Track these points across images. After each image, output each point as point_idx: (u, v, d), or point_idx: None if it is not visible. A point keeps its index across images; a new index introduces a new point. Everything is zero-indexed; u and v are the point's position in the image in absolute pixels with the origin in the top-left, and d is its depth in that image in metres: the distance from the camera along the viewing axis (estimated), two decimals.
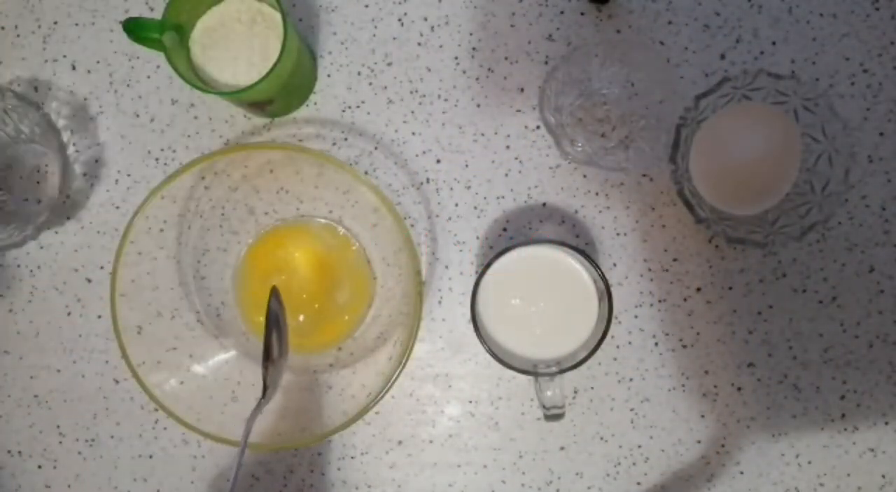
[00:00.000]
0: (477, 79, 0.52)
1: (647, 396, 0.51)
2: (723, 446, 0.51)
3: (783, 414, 0.51)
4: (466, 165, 0.52)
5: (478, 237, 0.52)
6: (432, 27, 0.52)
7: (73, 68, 0.53)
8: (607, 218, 0.51)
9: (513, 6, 0.51)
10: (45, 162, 0.53)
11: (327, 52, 0.52)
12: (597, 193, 0.51)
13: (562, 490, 0.52)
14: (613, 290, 0.50)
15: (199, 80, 0.46)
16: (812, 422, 0.51)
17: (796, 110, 0.46)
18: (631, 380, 0.51)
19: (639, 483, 0.51)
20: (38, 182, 0.54)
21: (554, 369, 0.45)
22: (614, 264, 0.51)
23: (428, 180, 0.52)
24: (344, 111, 0.52)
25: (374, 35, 0.52)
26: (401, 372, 0.45)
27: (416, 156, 0.52)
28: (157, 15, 0.46)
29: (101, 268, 0.53)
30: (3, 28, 0.54)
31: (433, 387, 0.52)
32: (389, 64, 0.52)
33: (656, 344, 0.51)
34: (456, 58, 0.52)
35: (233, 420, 0.46)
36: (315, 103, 0.52)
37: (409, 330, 0.45)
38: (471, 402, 0.52)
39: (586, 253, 0.45)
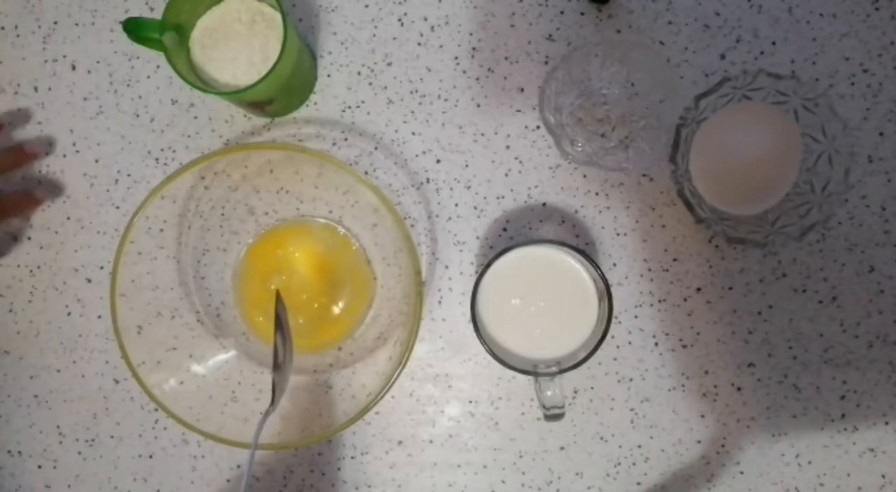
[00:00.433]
0: (477, 79, 0.52)
1: (647, 396, 0.51)
2: (723, 446, 0.51)
3: (783, 414, 0.51)
4: (466, 165, 0.52)
5: (478, 237, 0.52)
6: (432, 27, 0.52)
7: (73, 68, 0.53)
8: (607, 218, 0.51)
9: (513, 6, 0.51)
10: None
11: (327, 52, 0.52)
12: (597, 193, 0.51)
13: (562, 490, 0.52)
14: (613, 290, 0.50)
15: (199, 80, 0.46)
16: (812, 422, 0.51)
17: (796, 110, 0.46)
18: (631, 380, 0.51)
19: (639, 483, 0.51)
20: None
21: (554, 369, 0.45)
22: (614, 264, 0.51)
23: (428, 180, 0.52)
24: (344, 111, 0.52)
25: (374, 35, 0.52)
26: (401, 372, 0.45)
27: (416, 156, 0.52)
28: (157, 15, 0.46)
29: (101, 268, 0.53)
30: (3, 28, 0.54)
31: (433, 387, 0.52)
32: (389, 64, 0.52)
33: (656, 344, 0.51)
34: (456, 58, 0.52)
35: (233, 420, 0.46)
36: (315, 103, 0.52)
37: (409, 330, 0.45)
38: (471, 402, 0.52)
39: (586, 253, 0.45)
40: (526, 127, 0.51)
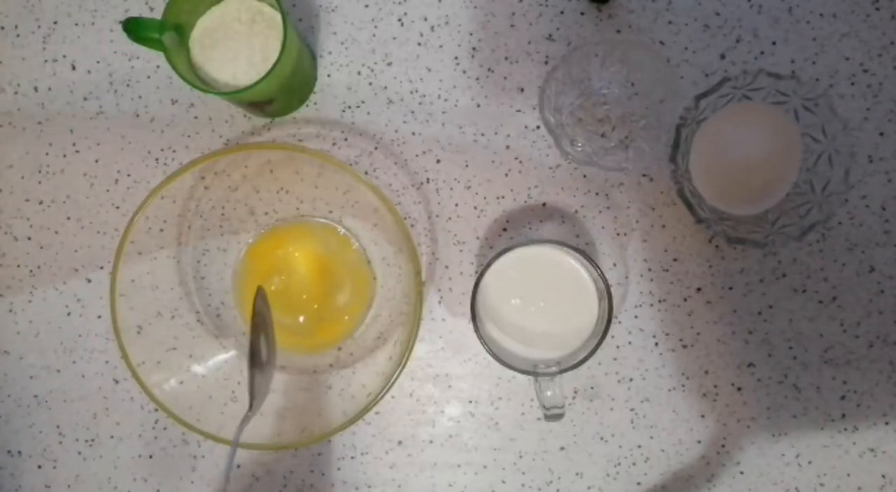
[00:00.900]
0: (477, 79, 0.52)
1: (647, 396, 0.51)
2: (723, 446, 0.51)
3: (783, 414, 0.51)
4: (466, 165, 0.52)
5: (478, 237, 0.52)
6: (432, 27, 0.52)
7: (73, 68, 0.53)
8: (607, 218, 0.51)
9: (513, 6, 0.51)
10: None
11: (327, 52, 0.52)
12: (597, 193, 0.51)
13: (562, 490, 0.52)
14: (613, 290, 0.50)
15: (199, 80, 0.45)
16: (812, 422, 0.51)
17: (796, 110, 0.46)
18: (631, 380, 0.51)
19: (639, 483, 0.51)
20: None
21: (554, 369, 0.45)
22: (614, 264, 0.51)
23: (428, 180, 0.52)
24: (344, 111, 0.52)
25: (374, 35, 0.52)
26: (401, 372, 0.45)
27: (416, 156, 0.52)
28: (157, 15, 0.46)
29: (101, 268, 0.53)
30: (2, 28, 0.54)
31: (433, 387, 0.52)
32: (389, 64, 0.52)
33: (656, 344, 0.51)
34: (456, 58, 0.52)
35: (233, 420, 0.46)
36: (315, 103, 0.52)
37: (409, 330, 0.45)
38: (471, 402, 0.52)
39: (586, 253, 0.45)
40: (526, 127, 0.51)
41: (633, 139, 0.50)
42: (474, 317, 0.45)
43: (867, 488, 0.50)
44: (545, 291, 0.46)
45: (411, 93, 0.52)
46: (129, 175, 0.53)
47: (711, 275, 0.51)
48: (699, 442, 0.51)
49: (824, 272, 0.50)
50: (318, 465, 0.52)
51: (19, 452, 0.54)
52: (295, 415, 0.50)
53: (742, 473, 0.51)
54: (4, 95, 0.54)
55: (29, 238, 0.54)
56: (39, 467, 0.54)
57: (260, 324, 0.46)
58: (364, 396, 0.47)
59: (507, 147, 0.52)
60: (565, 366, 0.45)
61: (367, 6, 0.52)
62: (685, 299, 0.51)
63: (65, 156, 0.53)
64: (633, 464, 0.51)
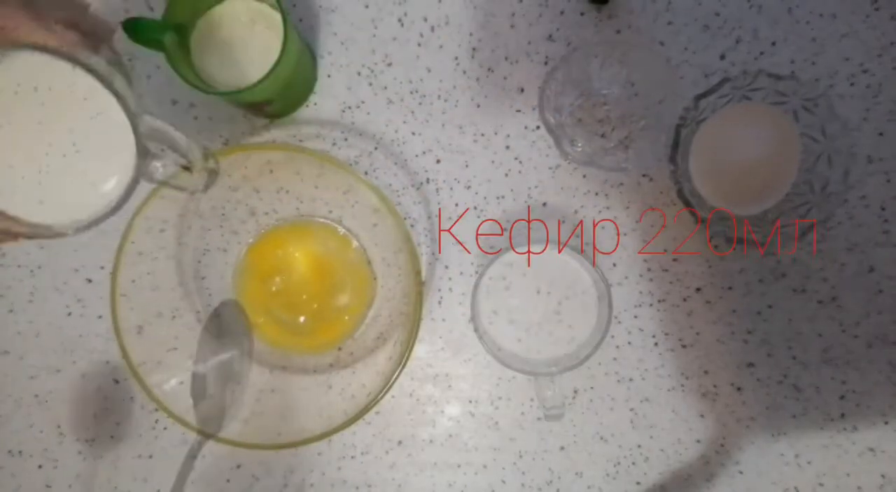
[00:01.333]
0: (477, 79, 0.52)
1: (647, 396, 0.51)
2: (722, 445, 0.51)
3: (783, 414, 0.51)
4: (466, 165, 0.52)
5: (478, 238, 0.52)
6: (432, 27, 0.52)
7: None
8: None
9: (513, 6, 0.51)
10: None
11: (327, 52, 0.52)
12: (597, 193, 0.51)
13: (562, 490, 0.52)
14: (613, 290, 0.50)
15: (199, 80, 0.45)
16: (812, 422, 0.51)
17: (796, 110, 0.46)
18: (631, 380, 0.51)
19: (639, 483, 0.51)
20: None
21: (554, 369, 0.45)
22: (614, 264, 0.51)
23: (428, 180, 0.52)
24: (344, 111, 0.52)
25: (374, 35, 0.52)
26: (401, 372, 0.45)
27: (416, 156, 0.52)
28: (157, 15, 0.46)
29: (102, 268, 0.53)
30: None
31: (433, 387, 0.52)
32: (389, 64, 0.52)
33: (656, 344, 0.51)
34: (456, 58, 0.52)
35: (233, 420, 0.46)
36: (315, 103, 0.52)
37: (409, 330, 0.45)
38: (471, 402, 0.52)
39: (586, 253, 0.45)
40: (526, 127, 0.51)
41: (632, 139, 0.50)
42: (474, 317, 0.45)
43: (866, 487, 0.51)
44: (545, 291, 0.46)
45: (411, 93, 0.52)
46: None
47: (711, 275, 0.51)
48: (698, 442, 0.51)
49: (824, 272, 0.50)
50: (318, 465, 0.52)
51: (19, 452, 0.54)
52: (295, 415, 0.50)
53: (741, 472, 0.51)
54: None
55: (29, 238, 0.54)
56: (39, 466, 0.54)
57: (219, 335, 0.45)
58: (364, 396, 0.47)
59: (507, 147, 0.52)
60: (565, 366, 0.45)
61: (367, 6, 0.52)
62: (685, 299, 0.51)
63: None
64: (633, 464, 0.51)
